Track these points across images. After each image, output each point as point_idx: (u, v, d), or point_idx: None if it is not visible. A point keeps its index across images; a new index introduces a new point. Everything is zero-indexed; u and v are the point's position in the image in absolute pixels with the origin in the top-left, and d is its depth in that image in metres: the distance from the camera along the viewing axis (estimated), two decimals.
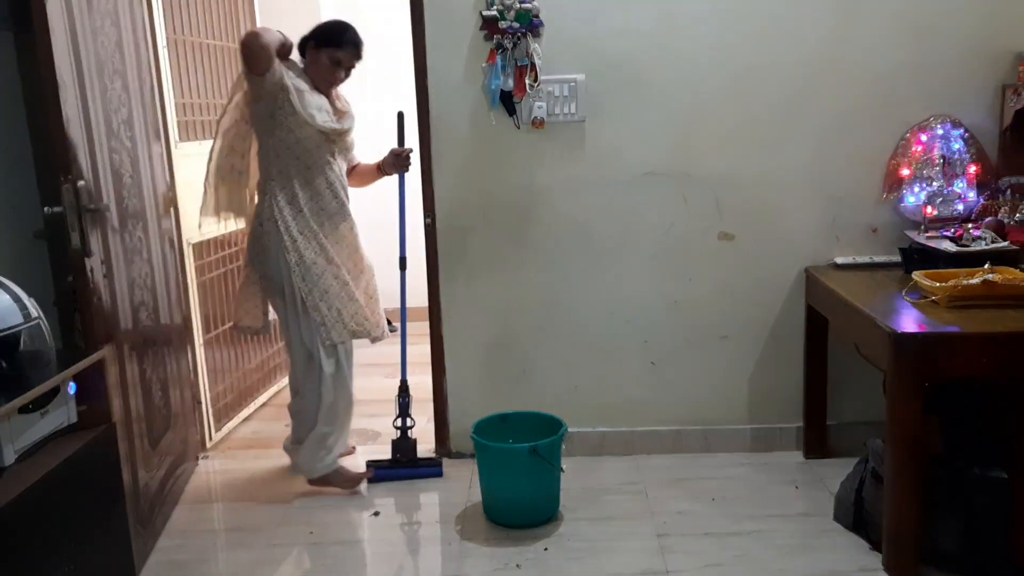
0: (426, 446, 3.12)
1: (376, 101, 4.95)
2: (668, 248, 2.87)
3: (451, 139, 2.82)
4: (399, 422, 2.91)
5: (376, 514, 2.67)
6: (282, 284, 2.63)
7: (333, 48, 2.61)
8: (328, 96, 2.69)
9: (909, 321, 2.16)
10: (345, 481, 2.80)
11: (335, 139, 2.67)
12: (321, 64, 2.62)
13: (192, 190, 2.91)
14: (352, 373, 2.79)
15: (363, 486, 2.82)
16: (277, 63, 2.53)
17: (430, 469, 2.89)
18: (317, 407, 2.69)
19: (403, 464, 2.89)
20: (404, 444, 2.91)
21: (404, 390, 2.93)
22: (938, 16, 2.69)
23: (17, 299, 1.86)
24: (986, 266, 2.28)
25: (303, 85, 2.59)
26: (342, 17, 4.85)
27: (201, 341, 3.18)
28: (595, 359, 2.96)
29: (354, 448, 3.11)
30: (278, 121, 2.55)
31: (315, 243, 2.63)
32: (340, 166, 2.75)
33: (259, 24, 3.70)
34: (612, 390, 2.98)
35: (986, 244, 2.48)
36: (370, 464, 2.89)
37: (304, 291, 2.60)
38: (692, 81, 2.76)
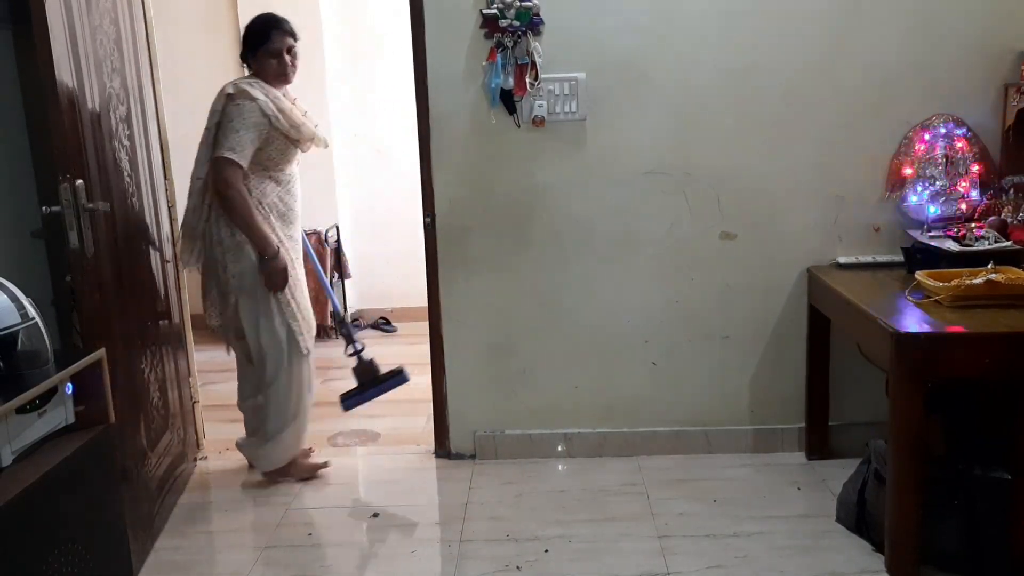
0: (425, 446, 3.11)
1: (376, 100, 4.96)
2: (669, 247, 2.86)
3: (451, 138, 2.81)
4: (350, 349, 2.96)
5: (375, 515, 2.66)
6: (248, 287, 2.67)
7: (266, 44, 2.64)
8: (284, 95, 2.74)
9: (912, 321, 2.15)
10: (301, 470, 2.89)
11: (303, 142, 2.73)
12: (268, 65, 2.65)
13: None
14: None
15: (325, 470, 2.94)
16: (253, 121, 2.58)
17: (396, 379, 2.93)
18: (282, 406, 2.80)
19: (368, 386, 2.94)
20: (363, 367, 2.95)
21: (339, 320, 3.12)
22: (941, 15, 2.68)
23: (15, 299, 1.85)
24: (989, 266, 2.27)
25: (270, 95, 2.63)
26: (341, 15, 4.90)
27: None
28: (596, 359, 2.95)
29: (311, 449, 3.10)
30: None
31: (283, 249, 2.68)
32: (296, 169, 2.82)
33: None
34: (613, 390, 2.97)
35: (989, 244, 2.47)
36: (341, 396, 2.95)
37: (283, 298, 2.68)
38: (693, 79, 2.75)
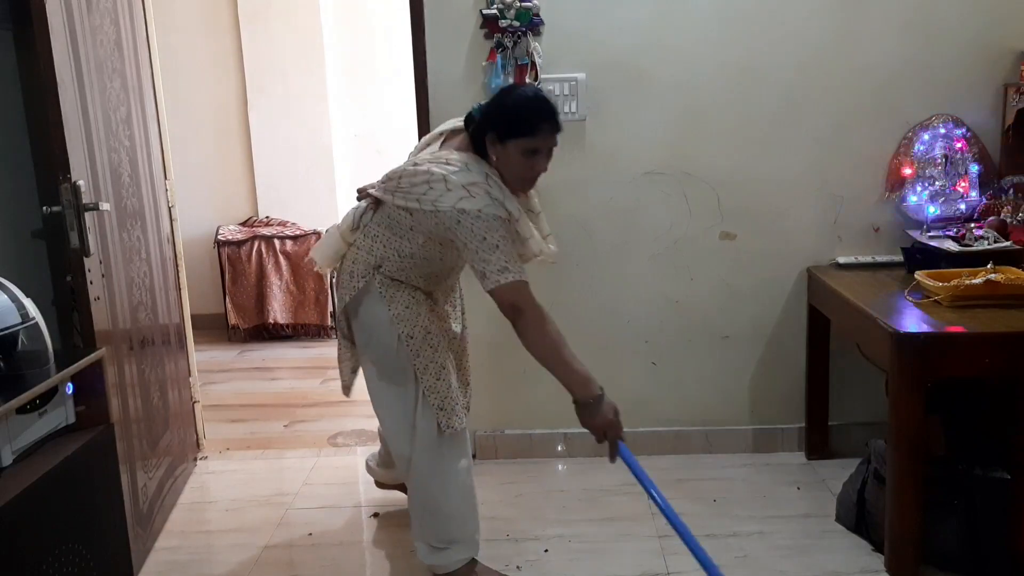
0: None
1: (376, 100, 4.96)
2: (669, 248, 2.86)
3: None
4: None
5: (375, 515, 2.66)
6: (382, 354, 2.14)
7: (525, 139, 1.93)
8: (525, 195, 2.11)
9: (911, 321, 2.15)
10: None
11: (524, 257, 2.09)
12: (511, 160, 1.95)
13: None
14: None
15: None
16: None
17: None
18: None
19: None
20: None
21: None
22: (940, 15, 2.68)
23: (15, 299, 1.85)
24: (989, 266, 2.27)
25: (493, 190, 1.94)
26: (340, 15, 4.90)
27: None
28: (596, 359, 2.91)
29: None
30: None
31: (426, 305, 2.15)
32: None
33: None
34: (613, 390, 2.92)
35: (988, 244, 2.47)
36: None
37: (421, 367, 2.10)
38: (693, 80, 2.75)
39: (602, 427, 1.94)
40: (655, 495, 1.86)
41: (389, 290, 2.10)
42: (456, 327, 2.35)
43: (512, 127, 1.93)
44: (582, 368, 1.96)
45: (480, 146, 2.00)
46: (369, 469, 2.69)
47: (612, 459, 1.95)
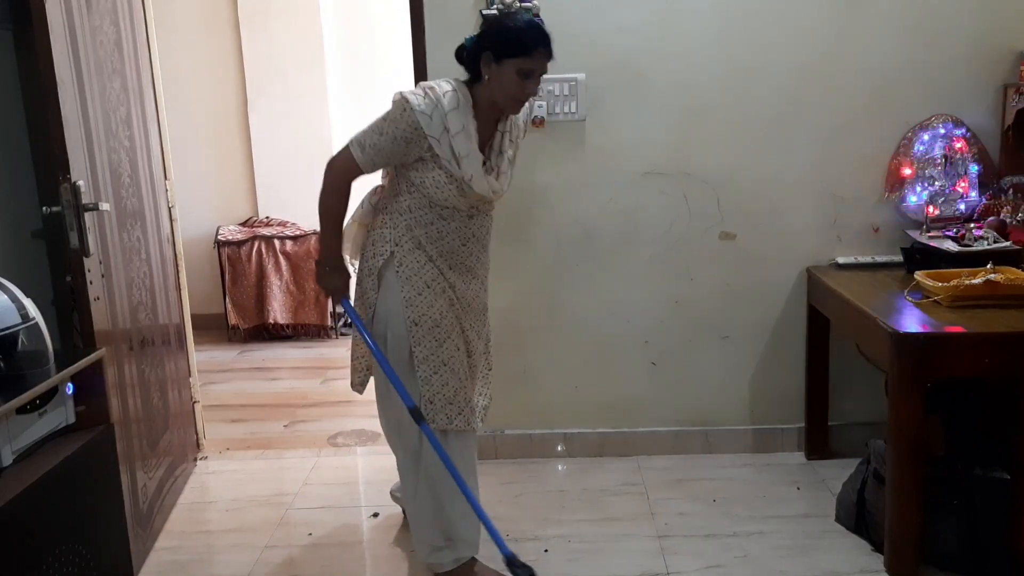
0: None
1: (376, 100, 4.96)
2: (669, 248, 2.86)
3: None
4: None
5: (375, 515, 2.66)
6: (393, 335, 2.15)
7: (522, 58, 1.98)
8: (496, 129, 2.15)
9: (911, 321, 2.15)
10: None
11: (475, 203, 2.15)
12: (505, 79, 2.00)
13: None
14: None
15: None
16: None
17: None
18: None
19: None
20: None
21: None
22: (940, 15, 2.68)
23: (15, 299, 1.85)
24: (988, 266, 2.27)
25: (447, 107, 2.02)
26: (340, 16, 4.90)
27: None
28: (596, 359, 2.95)
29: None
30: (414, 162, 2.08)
31: (444, 297, 2.14)
32: (483, 221, 2.22)
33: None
34: (613, 390, 2.97)
35: (988, 244, 2.47)
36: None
37: (419, 356, 2.12)
38: (693, 80, 2.75)
39: (330, 289, 2.23)
40: (367, 338, 2.15)
41: (405, 270, 2.13)
42: (482, 329, 2.33)
43: (510, 46, 2.00)
44: (338, 242, 2.18)
45: (472, 72, 2.10)
46: (396, 499, 2.63)
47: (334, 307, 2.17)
